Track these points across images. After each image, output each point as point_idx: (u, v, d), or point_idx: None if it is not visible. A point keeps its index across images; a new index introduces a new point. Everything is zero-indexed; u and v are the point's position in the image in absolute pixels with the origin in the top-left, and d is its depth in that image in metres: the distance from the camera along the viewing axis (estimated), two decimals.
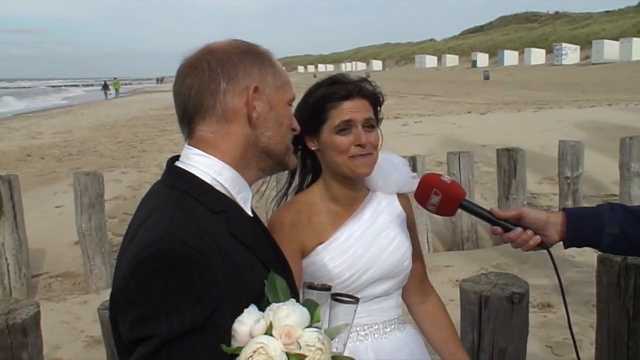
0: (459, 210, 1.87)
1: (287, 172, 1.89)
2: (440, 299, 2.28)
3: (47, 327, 3.00)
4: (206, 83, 1.42)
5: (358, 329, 1.98)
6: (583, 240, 1.80)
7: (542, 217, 1.80)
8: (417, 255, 2.16)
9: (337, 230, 1.99)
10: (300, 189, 2.09)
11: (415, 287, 2.19)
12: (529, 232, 1.79)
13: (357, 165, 1.92)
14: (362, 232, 2.01)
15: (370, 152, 1.92)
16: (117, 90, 66.00)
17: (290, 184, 2.09)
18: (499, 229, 1.82)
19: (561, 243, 1.83)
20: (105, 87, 64.94)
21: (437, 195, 1.83)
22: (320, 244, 1.97)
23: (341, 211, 2.02)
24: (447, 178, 1.87)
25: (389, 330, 2.04)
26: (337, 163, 1.92)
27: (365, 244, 1.99)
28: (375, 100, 1.98)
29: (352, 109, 1.91)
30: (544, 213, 1.84)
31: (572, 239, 1.79)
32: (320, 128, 1.92)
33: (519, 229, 1.79)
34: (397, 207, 2.10)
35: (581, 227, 1.78)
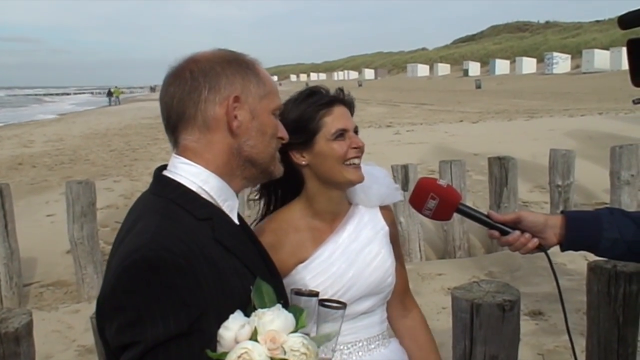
0: (452, 218, 1.86)
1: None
2: (421, 315, 2.25)
3: (39, 336, 2.99)
4: (188, 92, 1.43)
5: (342, 346, 1.95)
6: (581, 244, 1.79)
7: (540, 219, 1.79)
8: (399, 269, 2.12)
9: (317, 248, 1.96)
10: (276, 207, 2.04)
11: (396, 301, 2.15)
12: (527, 235, 1.78)
13: (351, 173, 1.90)
14: (344, 249, 1.97)
15: (360, 156, 1.93)
16: (117, 97, 71.35)
17: (269, 206, 2.04)
18: (496, 233, 1.81)
19: (557, 248, 1.83)
20: (110, 94, 71.20)
21: (433, 200, 1.80)
22: (300, 262, 1.94)
23: (322, 227, 1.98)
24: (442, 182, 1.86)
25: (372, 346, 2.01)
26: (334, 171, 1.89)
27: (347, 261, 1.95)
28: (352, 108, 1.99)
29: (342, 116, 1.91)
30: (542, 215, 1.83)
31: (569, 242, 1.79)
32: (314, 138, 1.88)
33: (517, 232, 1.78)
34: (379, 220, 2.06)
35: (580, 230, 1.77)
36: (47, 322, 5.69)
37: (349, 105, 1.97)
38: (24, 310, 2.78)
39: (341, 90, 1.99)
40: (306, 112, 1.89)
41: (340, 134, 1.89)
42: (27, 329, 2.64)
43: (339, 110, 1.92)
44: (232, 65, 1.47)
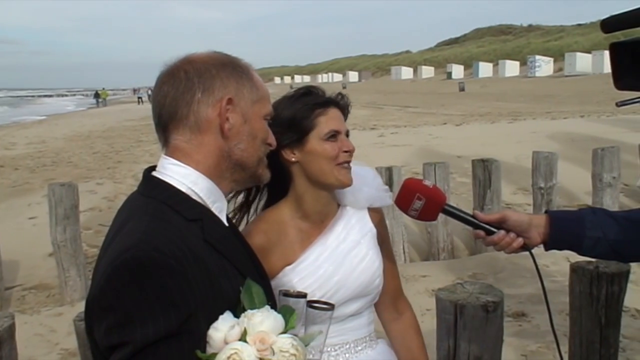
0: (436, 220, 1.87)
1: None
2: (413, 318, 2.25)
3: (21, 340, 2.97)
4: (181, 92, 1.44)
5: (329, 348, 1.95)
6: (564, 243, 1.81)
7: (525, 219, 1.81)
8: (390, 271, 2.12)
9: (305, 250, 1.96)
10: (266, 205, 2.03)
11: (388, 303, 2.16)
12: (512, 235, 1.79)
13: (342, 174, 1.90)
14: (332, 250, 1.97)
15: (350, 160, 1.93)
16: (104, 99, 73.70)
17: (248, 202, 2.01)
18: (481, 232, 1.82)
19: (542, 248, 1.85)
20: (97, 96, 73.72)
21: (420, 200, 1.81)
22: (288, 264, 1.94)
23: (311, 229, 1.99)
24: (428, 182, 1.87)
25: (359, 348, 2.02)
26: (324, 171, 1.89)
27: (334, 263, 1.96)
28: (346, 112, 2.00)
29: (335, 118, 1.93)
30: (527, 215, 1.85)
31: (553, 241, 1.81)
32: (306, 137, 1.89)
33: (502, 232, 1.80)
34: (367, 222, 2.06)
35: (563, 229, 1.79)
36: (30, 326, 5.65)
37: (343, 109, 1.98)
38: (5, 313, 2.76)
39: (340, 94, 2.01)
40: (301, 110, 1.90)
41: (333, 135, 1.90)
42: (9, 332, 2.62)
43: (333, 112, 1.93)
44: (227, 68, 1.48)
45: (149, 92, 64.86)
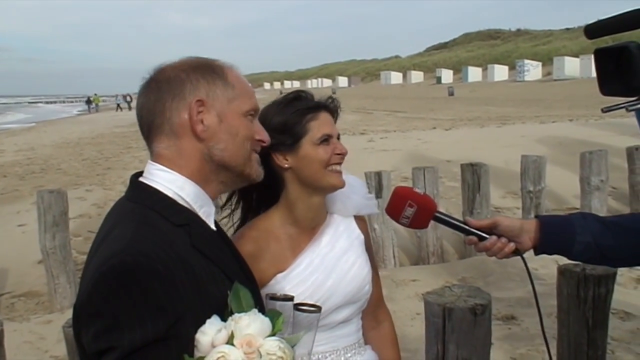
0: (427, 228, 1.88)
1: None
2: (391, 328, 2.26)
3: (10, 348, 2.97)
4: (153, 102, 1.46)
5: (319, 355, 1.97)
6: (554, 247, 1.82)
7: (516, 224, 1.83)
8: (374, 278, 2.12)
9: (296, 258, 1.96)
10: (257, 212, 2.04)
11: (369, 311, 2.16)
12: (503, 240, 1.81)
13: (334, 178, 1.91)
14: (322, 258, 1.98)
15: (342, 162, 1.95)
16: (96, 104, 73.60)
17: (247, 211, 2.04)
18: (473, 238, 1.83)
19: (532, 252, 1.86)
20: (89, 102, 73.64)
21: (411, 207, 1.82)
22: (280, 272, 1.94)
23: (301, 236, 1.99)
24: (418, 190, 1.89)
25: (349, 355, 2.03)
26: (317, 176, 1.90)
27: (325, 270, 1.96)
28: (336, 115, 2.02)
29: (327, 122, 1.94)
30: (518, 220, 1.86)
31: (543, 246, 1.82)
32: (299, 142, 1.89)
33: (494, 237, 1.81)
34: (354, 229, 2.08)
35: (553, 234, 1.81)
36: (19, 333, 5.62)
37: (333, 112, 2.00)
38: None
39: (330, 97, 2.02)
40: (292, 116, 1.91)
41: (325, 139, 1.91)
42: None
43: (324, 117, 1.95)
44: (197, 71, 1.49)
45: (128, 98, 64.35)
